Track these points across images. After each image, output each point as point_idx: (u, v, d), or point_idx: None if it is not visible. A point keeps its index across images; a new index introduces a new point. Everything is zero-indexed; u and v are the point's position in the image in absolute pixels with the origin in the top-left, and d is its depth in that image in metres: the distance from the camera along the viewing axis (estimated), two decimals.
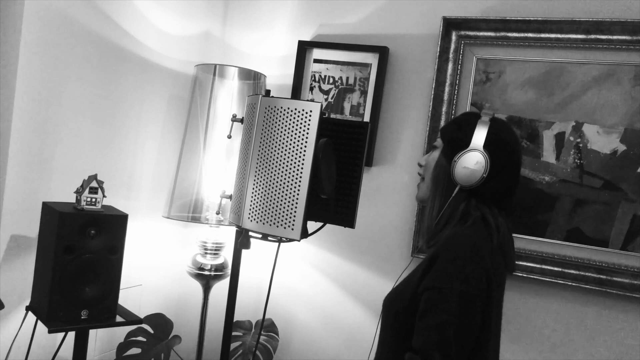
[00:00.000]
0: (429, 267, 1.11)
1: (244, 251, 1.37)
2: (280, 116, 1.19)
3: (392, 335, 1.17)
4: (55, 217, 1.34)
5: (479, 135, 1.17)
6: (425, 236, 1.23)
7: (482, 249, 1.10)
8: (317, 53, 2.09)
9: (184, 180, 1.88)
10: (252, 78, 1.94)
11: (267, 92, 1.25)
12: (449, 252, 1.10)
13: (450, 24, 1.88)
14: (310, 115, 1.17)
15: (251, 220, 1.21)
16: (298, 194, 1.17)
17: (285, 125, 1.18)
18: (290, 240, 1.20)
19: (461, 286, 1.05)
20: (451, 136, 1.23)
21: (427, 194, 1.26)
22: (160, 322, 1.91)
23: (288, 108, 1.19)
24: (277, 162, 1.19)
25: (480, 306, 1.07)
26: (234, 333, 1.92)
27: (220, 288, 1.90)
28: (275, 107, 1.20)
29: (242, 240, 1.29)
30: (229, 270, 1.94)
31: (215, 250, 1.94)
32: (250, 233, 1.26)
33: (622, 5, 1.71)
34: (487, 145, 1.17)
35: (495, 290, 1.11)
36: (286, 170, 1.18)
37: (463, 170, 1.16)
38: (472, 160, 1.16)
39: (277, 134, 1.19)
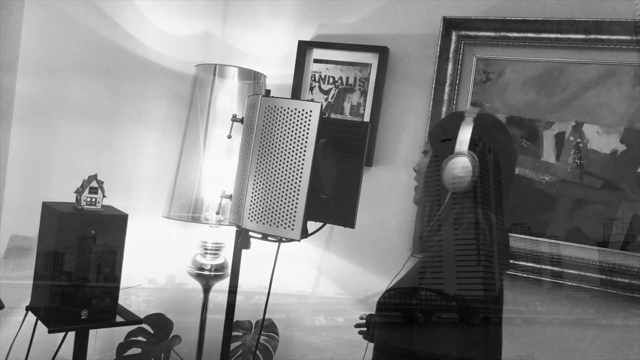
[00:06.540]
0: (419, 276, 1.11)
1: (244, 251, 1.37)
2: (280, 116, 1.19)
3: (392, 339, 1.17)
4: (55, 217, 1.33)
5: (463, 138, 1.13)
6: (418, 241, 1.24)
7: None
8: (317, 53, 2.09)
9: (184, 180, 1.88)
10: (252, 78, 1.94)
11: (267, 92, 1.25)
12: (439, 261, 1.09)
13: (450, 24, 1.88)
14: (310, 115, 1.16)
15: (251, 220, 1.21)
16: (298, 194, 1.17)
17: (285, 125, 1.18)
18: (290, 240, 1.20)
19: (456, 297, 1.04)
20: (437, 141, 1.21)
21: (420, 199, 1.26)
22: (160, 322, 1.91)
23: (288, 108, 1.18)
24: (277, 162, 1.19)
25: (478, 312, 1.06)
26: (234, 333, 1.91)
27: (220, 288, 1.90)
28: (275, 107, 1.20)
29: (242, 240, 1.29)
30: (229, 270, 1.94)
31: (215, 250, 1.94)
32: (250, 233, 1.26)
33: (622, 5, 1.71)
34: (472, 146, 1.12)
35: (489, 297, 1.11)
36: (286, 170, 1.18)
37: (451, 176, 1.12)
38: (459, 165, 1.11)
39: (277, 134, 1.19)
